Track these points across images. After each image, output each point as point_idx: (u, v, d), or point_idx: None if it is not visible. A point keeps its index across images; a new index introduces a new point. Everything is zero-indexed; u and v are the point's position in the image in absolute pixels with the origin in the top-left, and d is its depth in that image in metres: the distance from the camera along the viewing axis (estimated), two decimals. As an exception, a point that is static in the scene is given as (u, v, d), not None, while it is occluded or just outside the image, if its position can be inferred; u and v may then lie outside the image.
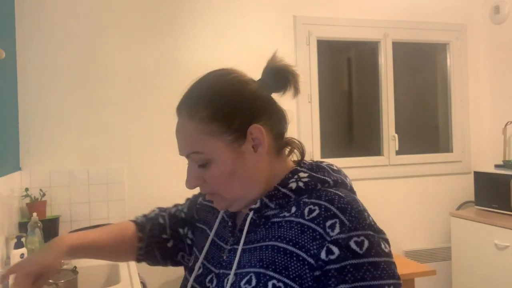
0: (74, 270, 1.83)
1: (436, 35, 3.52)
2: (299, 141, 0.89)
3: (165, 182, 2.89)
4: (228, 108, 0.79)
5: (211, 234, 0.91)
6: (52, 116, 2.73)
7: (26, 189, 2.56)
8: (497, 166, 3.23)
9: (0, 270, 1.97)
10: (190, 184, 0.82)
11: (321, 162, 0.88)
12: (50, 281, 1.59)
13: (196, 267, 0.89)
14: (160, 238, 1.02)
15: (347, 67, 3.58)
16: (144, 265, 1.07)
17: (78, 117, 2.78)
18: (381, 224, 0.80)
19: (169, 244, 1.02)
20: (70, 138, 2.76)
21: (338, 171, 0.87)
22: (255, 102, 0.81)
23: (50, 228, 2.50)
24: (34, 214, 2.28)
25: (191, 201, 1.06)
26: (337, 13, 3.27)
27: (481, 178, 3.15)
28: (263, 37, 3.09)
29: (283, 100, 0.87)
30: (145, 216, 1.07)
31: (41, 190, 2.60)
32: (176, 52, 2.94)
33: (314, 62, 3.21)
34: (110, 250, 0.98)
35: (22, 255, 1.93)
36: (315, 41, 3.21)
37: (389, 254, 0.74)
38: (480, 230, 2.98)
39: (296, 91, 0.84)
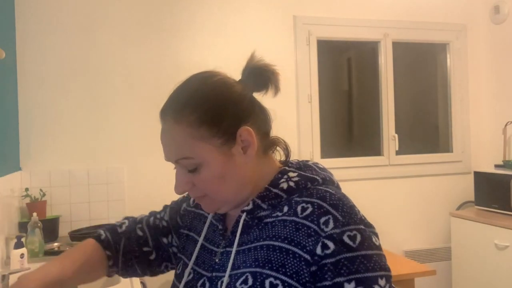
0: (74, 270, 1.83)
1: (436, 35, 3.52)
2: (283, 140, 0.89)
3: (165, 182, 2.88)
4: (216, 111, 0.78)
5: (200, 239, 0.90)
6: (52, 116, 2.74)
7: (26, 189, 2.56)
8: (497, 166, 3.23)
9: (0, 270, 1.96)
10: (179, 190, 0.82)
11: (307, 161, 0.89)
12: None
13: (186, 273, 0.88)
14: (140, 251, 0.98)
15: (347, 67, 3.58)
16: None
17: (78, 117, 2.78)
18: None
19: (152, 257, 0.99)
20: (70, 138, 2.76)
21: (324, 169, 0.88)
22: (242, 103, 0.81)
23: (50, 228, 2.50)
24: (34, 214, 2.28)
25: (173, 208, 1.03)
26: (337, 13, 3.27)
27: (481, 178, 3.15)
28: (263, 37, 3.09)
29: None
30: (112, 230, 1.00)
31: (41, 190, 2.60)
32: (175, 52, 2.94)
33: (314, 62, 3.21)
34: (76, 279, 0.93)
35: (22, 255, 1.93)
36: (315, 41, 3.21)
37: (379, 247, 0.76)
38: (480, 230, 2.98)
39: (277, 90, 0.84)
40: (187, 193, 0.85)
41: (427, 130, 3.65)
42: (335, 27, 3.27)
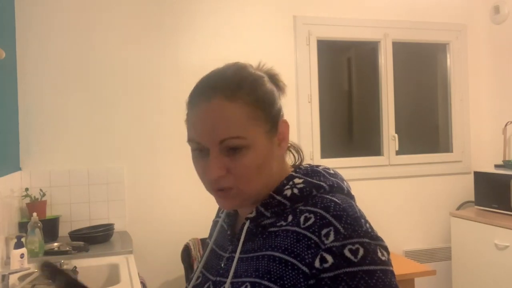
0: (74, 270, 1.83)
1: (436, 35, 3.52)
2: (295, 144, 0.89)
3: (165, 182, 2.89)
4: (270, 96, 0.78)
5: (210, 243, 0.91)
6: (52, 116, 2.74)
7: (26, 189, 2.56)
8: (497, 166, 3.23)
9: (0, 270, 1.96)
10: (214, 174, 0.74)
11: (318, 166, 0.86)
12: (50, 281, 1.58)
13: (195, 276, 0.89)
14: None
15: (347, 67, 3.58)
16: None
17: (78, 117, 2.78)
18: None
19: None
20: (70, 138, 2.76)
21: (335, 175, 0.84)
22: (279, 96, 0.82)
23: (50, 228, 2.50)
24: (34, 214, 2.28)
25: None
26: (337, 13, 3.27)
27: (481, 178, 3.15)
28: (263, 37, 3.09)
29: (282, 100, 0.86)
30: None
31: (41, 190, 2.60)
32: (176, 52, 2.94)
33: (314, 62, 3.21)
34: None
35: (22, 255, 1.93)
36: (315, 41, 3.21)
37: (386, 262, 0.71)
38: (480, 230, 2.98)
39: (282, 92, 0.84)
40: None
41: (427, 130, 3.65)
42: (335, 27, 3.27)
